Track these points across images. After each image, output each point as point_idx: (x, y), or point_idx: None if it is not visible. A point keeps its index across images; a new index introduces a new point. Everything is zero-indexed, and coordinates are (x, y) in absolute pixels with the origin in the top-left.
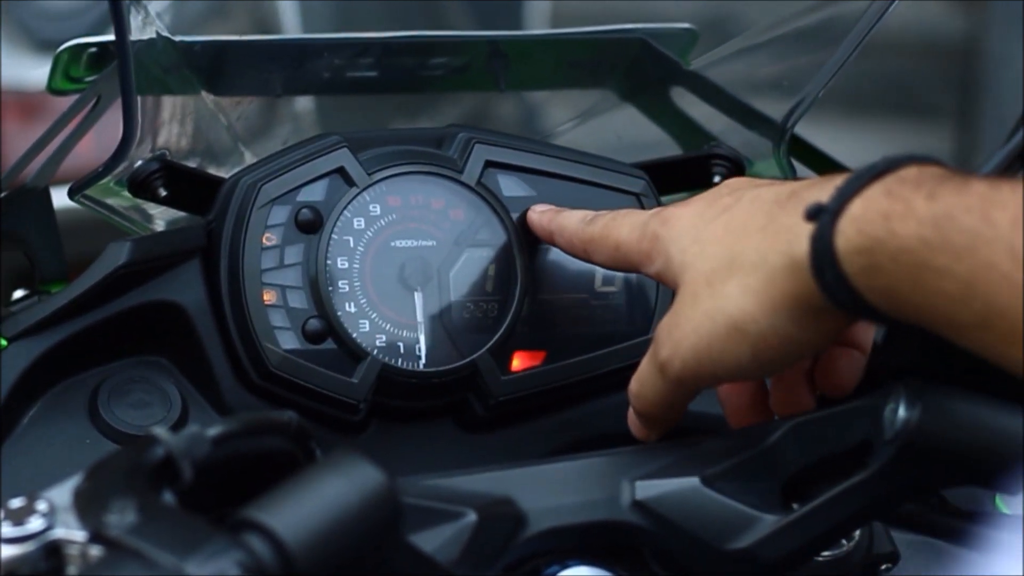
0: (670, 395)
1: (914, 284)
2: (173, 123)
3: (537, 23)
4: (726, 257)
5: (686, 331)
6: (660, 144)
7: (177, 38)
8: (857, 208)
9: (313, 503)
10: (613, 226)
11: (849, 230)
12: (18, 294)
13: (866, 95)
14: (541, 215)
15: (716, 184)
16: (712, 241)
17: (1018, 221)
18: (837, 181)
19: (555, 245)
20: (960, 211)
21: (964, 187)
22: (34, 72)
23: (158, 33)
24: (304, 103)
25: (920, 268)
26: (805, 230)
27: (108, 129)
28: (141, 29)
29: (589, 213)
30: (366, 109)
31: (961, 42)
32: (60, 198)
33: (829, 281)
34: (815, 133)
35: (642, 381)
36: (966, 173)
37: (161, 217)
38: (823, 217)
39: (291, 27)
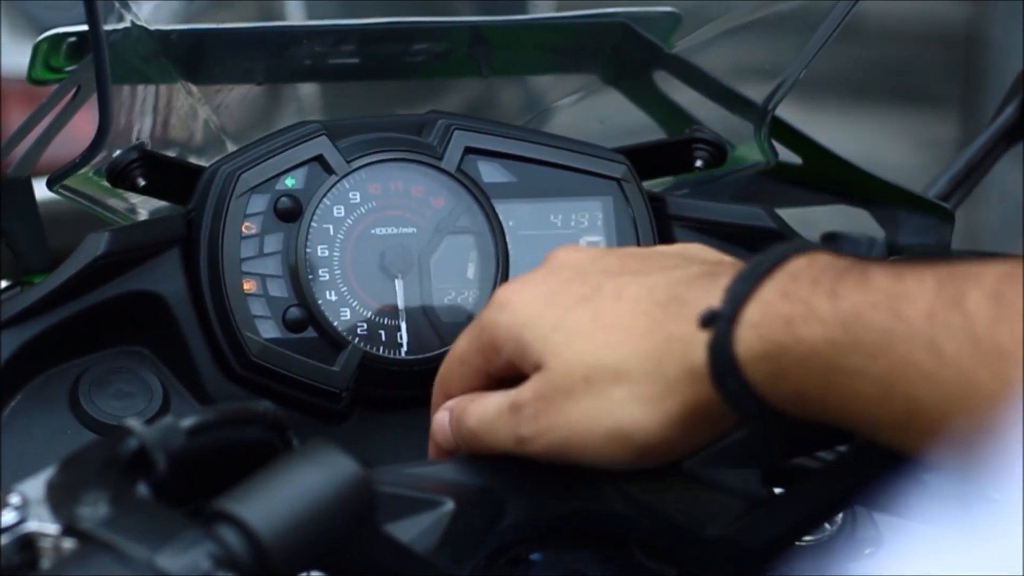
0: (509, 452)
1: (826, 387)
2: (152, 112)
3: (539, 11)
4: (607, 359)
5: (558, 421)
6: (644, 129)
7: (153, 27)
8: (754, 313)
9: (286, 494)
10: (449, 369)
11: (749, 337)
12: (1, 285)
13: (869, 83)
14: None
15: (698, 168)
16: (579, 334)
17: (931, 315)
18: (720, 280)
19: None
20: (867, 308)
21: (865, 282)
22: None
23: (133, 23)
24: (288, 91)
25: (831, 371)
26: (700, 339)
27: (96, 118)
28: (117, 19)
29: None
30: (354, 97)
31: (963, 29)
32: (43, 188)
33: (732, 390)
34: (814, 120)
35: (489, 431)
36: (859, 261)
37: (142, 207)
38: (719, 324)
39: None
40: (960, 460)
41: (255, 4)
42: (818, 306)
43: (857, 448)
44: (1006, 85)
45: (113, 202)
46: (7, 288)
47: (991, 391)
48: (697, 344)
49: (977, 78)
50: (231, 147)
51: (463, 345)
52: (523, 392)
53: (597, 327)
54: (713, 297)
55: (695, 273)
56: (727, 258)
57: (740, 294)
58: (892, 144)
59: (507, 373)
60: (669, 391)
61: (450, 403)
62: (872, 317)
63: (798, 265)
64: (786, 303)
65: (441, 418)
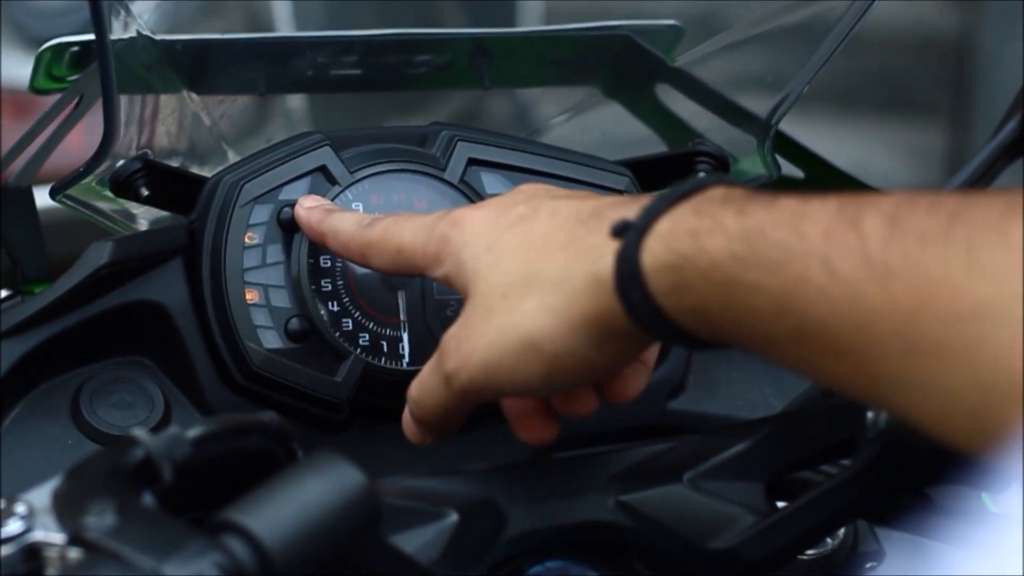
0: (452, 405)
1: (726, 301)
2: (156, 122)
3: (530, 21)
4: (524, 272)
5: (476, 345)
6: (646, 141)
7: (158, 36)
8: (665, 226)
9: (292, 504)
10: (394, 229)
11: (656, 247)
12: (1, 294)
13: (860, 93)
14: (309, 212)
15: None
16: (508, 252)
17: (829, 233)
18: (643, 200)
19: (327, 248)
20: (770, 225)
21: (773, 203)
22: (27, 70)
23: (139, 32)
24: (290, 102)
25: (731, 284)
26: (610, 248)
27: (97, 127)
28: (122, 28)
29: (367, 217)
30: (354, 108)
31: (955, 39)
32: (43, 198)
33: (634, 300)
34: (808, 130)
35: (423, 389)
36: (771, 192)
37: (144, 217)
38: (629, 234)
39: (283, 27)
40: (850, 378)
41: (243, 8)
42: (725, 221)
43: (860, 463)
44: (997, 96)
45: (115, 212)
46: (7, 297)
47: (881, 309)
48: (607, 254)
49: (968, 89)
50: (232, 157)
51: (407, 237)
52: (451, 329)
53: (524, 245)
54: (631, 213)
55: (623, 199)
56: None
57: (655, 209)
58: (882, 154)
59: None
60: (574, 299)
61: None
62: (774, 233)
63: (716, 191)
64: (696, 218)
65: (405, 415)
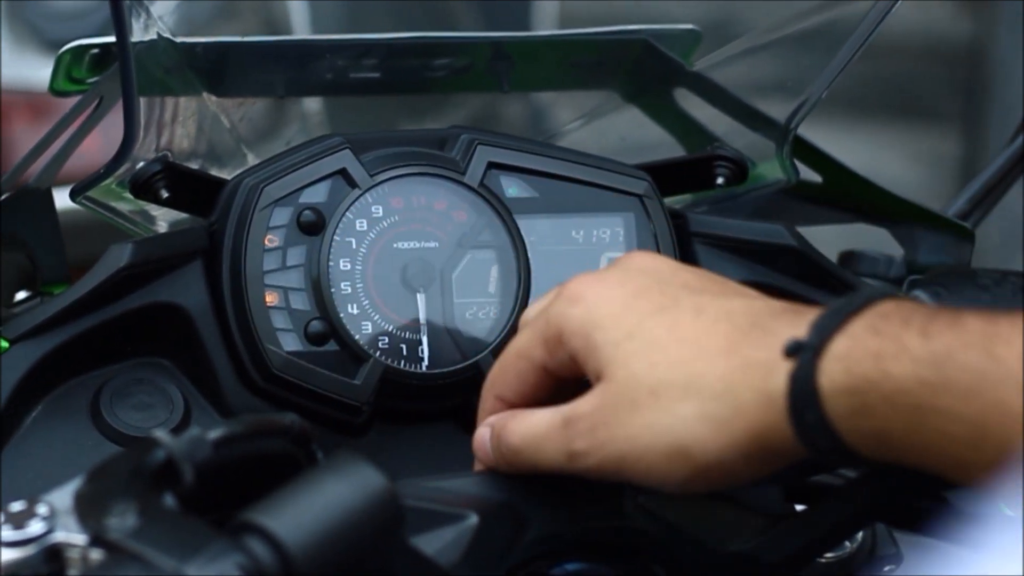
0: (560, 471)
1: (912, 426)
2: (175, 124)
3: (545, 24)
4: (680, 374)
5: (617, 436)
6: (664, 145)
7: (179, 39)
8: (841, 346)
9: (314, 506)
10: (504, 364)
11: (834, 369)
12: (20, 296)
13: (871, 98)
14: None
15: (719, 186)
16: (654, 345)
17: None
18: (807, 314)
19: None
20: (959, 349)
21: (958, 323)
22: (41, 72)
23: (159, 34)
24: (309, 104)
25: (920, 410)
26: (781, 366)
27: (115, 130)
28: (143, 30)
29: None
30: (372, 110)
31: (966, 45)
32: (63, 199)
33: (809, 422)
34: (819, 135)
35: (536, 449)
36: (951, 309)
37: (164, 219)
38: (804, 355)
39: (300, 29)
40: None
41: (262, 11)
42: (909, 343)
43: (878, 466)
44: (1010, 102)
45: (134, 214)
46: (27, 299)
47: None
48: (777, 372)
49: (979, 94)
50: (252, 159)
51: (524, 338)
52: (580, 405)
53: (672, 339)
54: (798, 329)
55: (779, 307)
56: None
57: (829, 327)
58: (895, 160)
59: (567, 372)
60: (738, 415)
61: (492, 419)
62: (965, 357)
63: (888, 307)
64: (876, 339)
65: (482, 434)
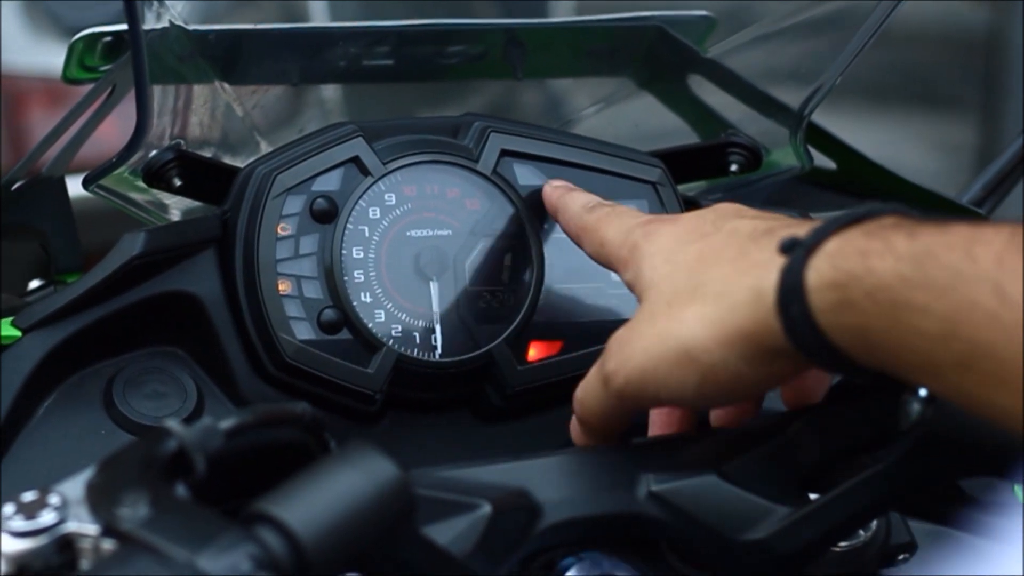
0: (609, 407)
1: (889, 322)
2: (188, 113)
3: (561, 12)
4: (691, 283)
5: (636, 348)
6: (677, 132)
7: (191, 27)
8: (833, 245)
9: (326, 496)
10: (605, 221)
11: (822, 265)
12: (34, 284)
13: (889, 86)
14: (553, 190)
15: (733, 173)
16: (683, 266)
17: (1001, 258)
18: (817, 222)
19: (558, 222)
20: (941, 248)
21: (945, 227)
22: (58, 59)
23: (171, 22)
24: (323, 92)
25: (897, 306)
26: (776, 264)
27: (130, 118)
28: (155, 18)
29: (594, 199)
30: (387, 98)
31: (985, 34)
32: (76, 187)
33: (793, 316)
34: (837, 123)
35: (586, 389)
36: (948, 219)
37: (177, 207)
38: (797, 251)
39: (318, 17)
40: (1015, 410)
41: (279, 3)
42: (896, 243)
43: (893, 455)
44: None
45: (147, 202)
46: (41, 287)
47: None
48: (772, 269)
49: (997, 83)
50: (265, 147)
51: (610, 234)
52: (614, 334)
53: (696, 258)
54: (803, 231)
55: (799, 220)
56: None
57: (826, 230)
58: (911, 147)
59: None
60: (733, 312)
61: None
62: (945, 256)
63: (891, 219)
64: (865, 239)
65: (573, 421)
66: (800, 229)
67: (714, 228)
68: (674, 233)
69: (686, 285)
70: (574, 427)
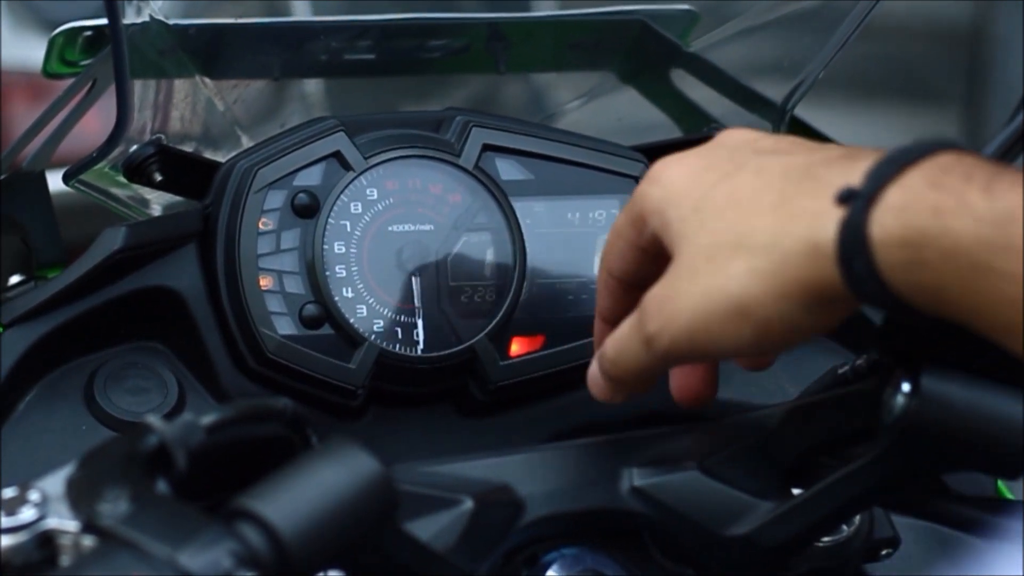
0: (651, 366)
1: (968, 285)
2: (169, 107)
3: (545, 6)
4: (731, 233)
5: (680, 307)
6: (661, 126)
7: (172, 21)
8: (896, 197)
9: (307, 492)
10: (608, 244)
11: (888, 220)
12: (14, 279)
13: (871, 79)
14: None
15: None
16: (714, 213)
17: None
18: (861, 162)
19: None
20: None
21: (1018, 181)
22: (41, 53)
23: (152, 17)
24: (304, 86)
25: (977, 269)
26: (832, 215)
27: (111, 112)
28: (136, 13)
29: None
30: (370, 92)
31: (968, 27)
32: (57, 182)
33: (858, 272)
34: (819, 116)
35: (621, 348)
36: (1012, 170)
37: (157, 202)
38: (856, 203)
39: (299, 12)
40: None
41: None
42: (972, 200)
43: (876, 450)
44: (1010, 83)
45: (128, 197)
46: (21, 282)
47: None
48: (827, 220)
49: (981, 76)
50: (246, 142)
51: (620, 218)
52: (651, 290)
53: (729, 204)
54: (852, 177)
55: (834, 155)
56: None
57: (884, 176)
58: (894, 140)
59: (655, 248)
60: (786, 264)
61: (598, 352)
62: None
63: (947, 159)
64: (935, 193)
65: (592, 370)
66: (845, 170)
67: (736, 167)
68: (688, 174)
69: (726, 237)
70: (597, 381)
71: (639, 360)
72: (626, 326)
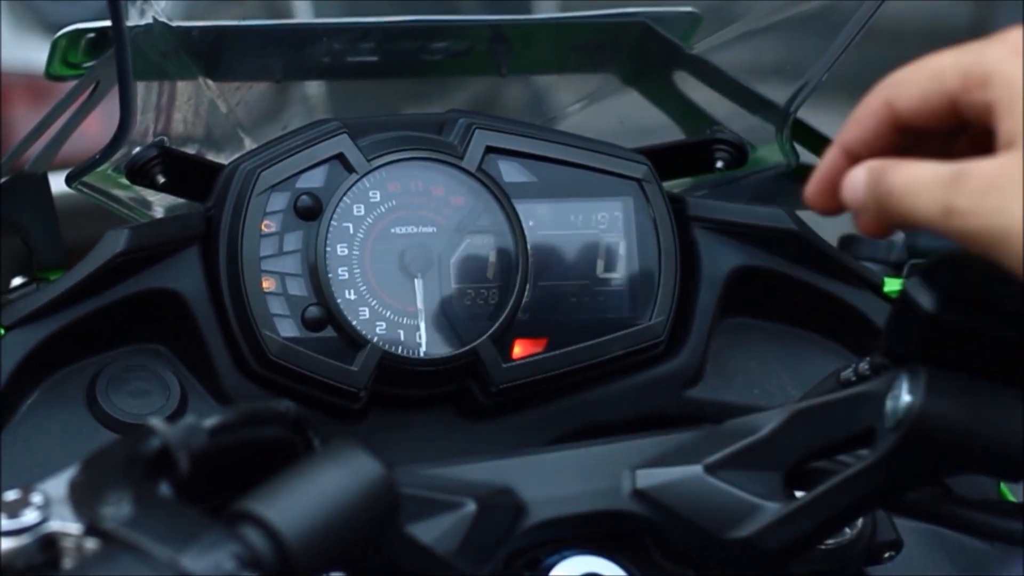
0: (916, 223)
1: None
2: (172, 109)
3: (546, 8)
4: None
5: (1009, 207)
6: (663, 128)
7: (175, 23)
8: None
9: (310, 495)
10: (912, 73)
11: None
12: (16, 281)
13: (874, 82)
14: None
15: (718, 170)
16: None
17: None
18: None
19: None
20: None
21: None
22: (42, 55)
23: (155, 19)
24: (307, 88)
25: None
26: None
27: (113, 114)
28: (139, 15)
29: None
30: (373, 94)
31: (967, 30)
32: (59, 184)
33: None
34: (819, 121)
35: (915, 194)
36: None
37: (160, 204)
38: None
39: (302, 13)
40: None
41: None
42: None
43: (878, 452)
44: None
45: (131, 199)
46: (23, 284)
47: None
48: None
49: None
50: (249, 144)
51: (946, 59)
52: (980, 164)
53: None
54: None
55: None
56: None
57: None
58: None
59: (971, 112)
60: None
61: (872, 162)
62: None
63: None
64: None
65: (856, 175)
66: None
67: None
68: None
69: None
70: (856, 190)
71: (924, 216)
72: (931, 175)
